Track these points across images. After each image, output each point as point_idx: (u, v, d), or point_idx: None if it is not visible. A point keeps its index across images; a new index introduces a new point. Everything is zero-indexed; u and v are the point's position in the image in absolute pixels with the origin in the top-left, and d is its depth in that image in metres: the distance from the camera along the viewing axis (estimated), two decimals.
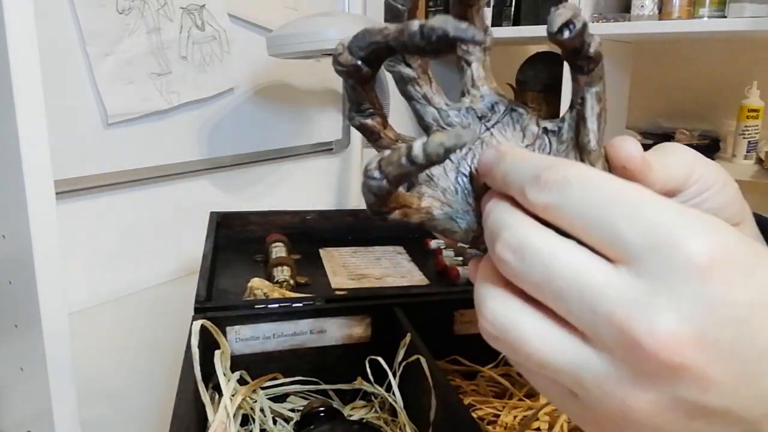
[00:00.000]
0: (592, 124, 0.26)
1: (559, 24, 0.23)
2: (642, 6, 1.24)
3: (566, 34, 0.23)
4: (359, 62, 0.27)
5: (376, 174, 0.23)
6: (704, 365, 0.18)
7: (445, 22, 0.23)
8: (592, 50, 0.24)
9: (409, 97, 0.31)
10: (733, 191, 0.28)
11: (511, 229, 0.21)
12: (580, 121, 0.27)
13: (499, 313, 0.22)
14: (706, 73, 1.49)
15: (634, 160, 0.26)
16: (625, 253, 0.19)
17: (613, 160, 0.26)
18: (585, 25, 0.23)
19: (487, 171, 0.25)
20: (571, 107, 0.27)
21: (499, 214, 0.23)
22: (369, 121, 0.30)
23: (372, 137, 0.31)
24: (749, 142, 1.31)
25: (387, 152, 0.24)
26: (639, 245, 0.19)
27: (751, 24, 1.07)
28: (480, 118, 0.29)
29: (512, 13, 1.45)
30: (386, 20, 0.30)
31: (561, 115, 0.28)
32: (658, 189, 0.26)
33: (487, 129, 0.29)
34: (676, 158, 0.27)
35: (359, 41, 0.26)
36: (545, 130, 0.28)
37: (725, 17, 1.15)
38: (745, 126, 1.31)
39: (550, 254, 0.20)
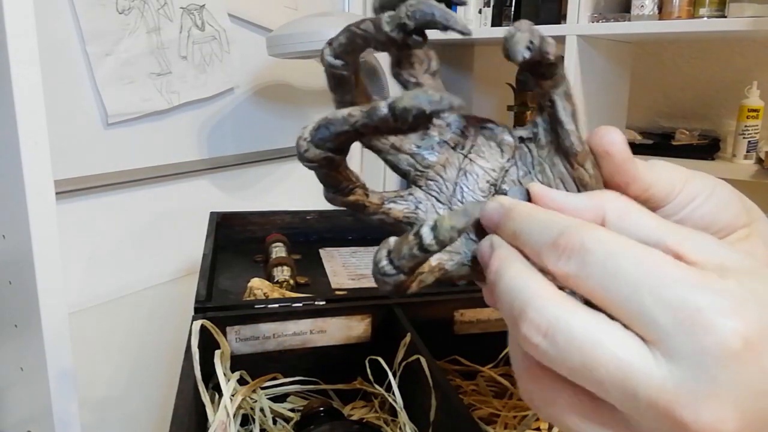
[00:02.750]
0: (569, 125, 0.25)
1: (522, 52, 0.22)
2: (642, 6, 1.24)
3: (528, 54, 0.22)
4: (329, 153, 0.25)
5: (390, 270, 0.23)
6: None
7: (416, 99, 0.21)
8: (551, 57, 0.24)
9: (377, 151, 0.29)
10: (726, 195, 0.28)
11: (537, 308, 0.20)
12: (556, 125, 0.26)
13: (536, 395, 0.21)
14: (706, 73, 1.49)
15: (617, 145, 0.25)
16: (658, 335, 0.18)
17: (596, 148, 0.26)
18: (542, 38, 0.23)
19: (493, 226, 0.24)
20: (540, 110, 0.27)
21: (516, 281, 0.21)
22: (351, 198, 0.28)
23: (358, 210, 0.29)
24: (749, 142, 1.31)
25: (392, 242, 0.23)
26: (670, 327, 0.18)
27: (751, 24, 1.07)
28: (454, 148, 0.28)
29: (512, 13, 1.46)
30: (331, 88, 0.29)
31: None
32: (644, 192, 0.26)
33: (465, 156, 0.28)
34: (661, 170, 0.27)
35: (323, 133, 0.24)
36: (521, 139, 0.28)
37: (725, 17, 1.15)
38: (745, 126, 1.31)
39: (586, 339, 0.19)
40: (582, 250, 0.20)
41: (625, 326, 0.19)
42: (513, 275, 0.21)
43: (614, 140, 0.25)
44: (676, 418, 0.18)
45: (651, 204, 0.26)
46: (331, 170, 0.26)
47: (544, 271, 0.21)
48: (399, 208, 0.28)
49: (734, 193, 0.28)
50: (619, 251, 0.19)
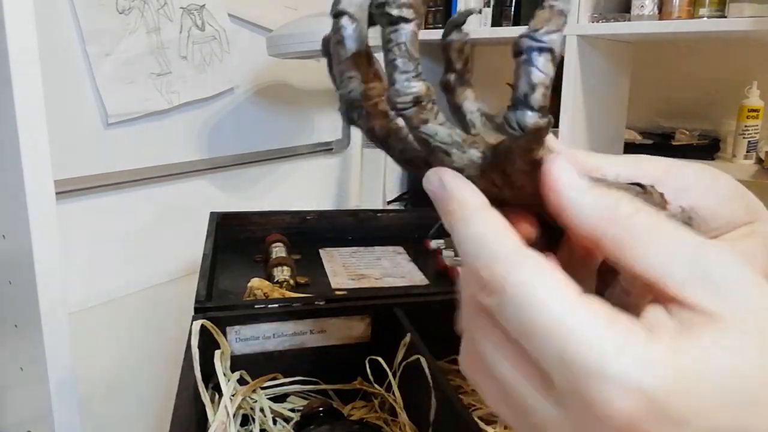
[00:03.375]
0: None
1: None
2: (642, 6, 1.24)
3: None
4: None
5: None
6: None
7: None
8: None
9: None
10: (729, 190, 0.27)
11: (471, 318, 0.22)
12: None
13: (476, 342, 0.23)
14: (706, 73, 1.49)
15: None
16: (556, 387, 0.19)
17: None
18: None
19: (432, 197, 0.24)
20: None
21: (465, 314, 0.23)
22: (372, 105, 0.28)
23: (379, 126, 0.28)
24: (749, 142, 1.31)
25: None
26: (565, 386, 0.19)
27: (751, 24, 1.07)
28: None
29: (512, 13, 1.46)
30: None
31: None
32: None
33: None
34: (649, 163, 0.26)
35: None
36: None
37: (725, 17, 1.15)
38: (745, 126, 1.31)
39: (491, 369, 0.21)
40: (501, 291, 0.20)
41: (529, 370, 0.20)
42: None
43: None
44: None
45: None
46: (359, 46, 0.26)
47: None
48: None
49: (739, 189, 0.27)
50: (536, 302, 0.19)
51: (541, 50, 0.20)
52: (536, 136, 0.21)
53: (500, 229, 0.21)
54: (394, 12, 0.22)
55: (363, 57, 0.28)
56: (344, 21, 0.25)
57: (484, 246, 0.21)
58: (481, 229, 0.21)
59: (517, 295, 0.19)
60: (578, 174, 0.21)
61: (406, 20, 0.22)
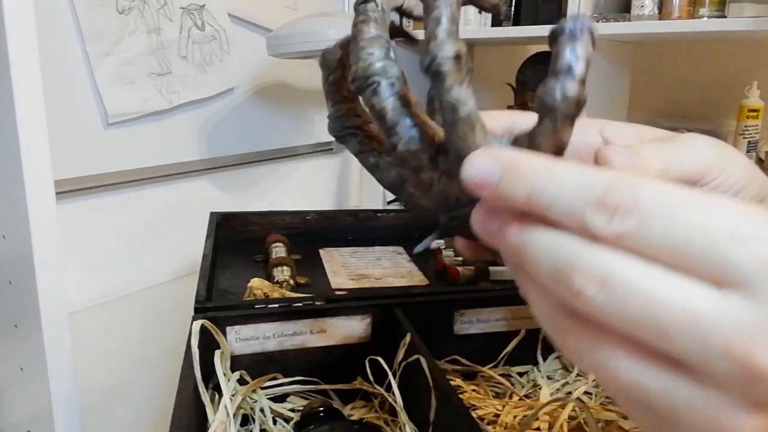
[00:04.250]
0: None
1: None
2: (642, 6, 1.24)
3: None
4: None
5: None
6: None
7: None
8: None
9: None
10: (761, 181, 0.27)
11: (589, 259, 0.18)
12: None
13: (586, 352, 0.20)
14: (706, 73, 1.49)
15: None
16: (733, 277, 0.17)
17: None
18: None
19: (488, 188, 0.20)
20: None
21: (554, 239, 0.19)
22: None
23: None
24: (749, 142, 1.31)
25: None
26: (749, 268, 0.17)
27: (751, 24, 1.07)
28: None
29: (512, 13, 1.46)
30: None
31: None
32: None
33: None
34: (694, 151, 0.25)
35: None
36: None
37: (725, 17, 1.15)
38: (745, 126, 1.30)
39: (647, 286, 0.18)
40: (638, 205, 0.18)
41: (689, 275, 0.18)
42: (547, 234, 0.19)
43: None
44: (752, 368, 0.17)
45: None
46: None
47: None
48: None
49: (757, 171, 0.27)
50: (681, 201, 0.18)
51: (583, 29, 0.21)
52: (576, 111, 0.21)
53: (589, 167, 0.19)
54: None
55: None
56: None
57: (589, 181, 0.19)
58: (576, 173, 0.19)
59: (659, 200, 0.18)
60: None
61: None
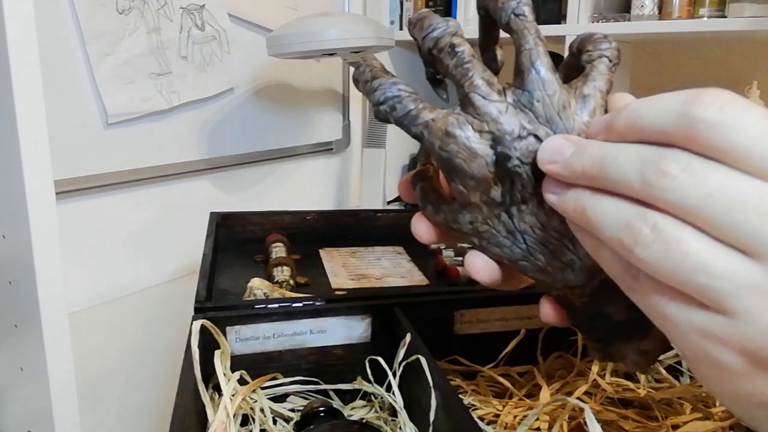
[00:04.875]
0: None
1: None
2: (642, 6, 1.24)
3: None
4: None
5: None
6: None
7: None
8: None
9: None
10: None
11: (644, 216, 0.21)
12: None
13: (643, 299, 0.23)
14: (706, 73, 1.49)
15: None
16: (757, 248, 0.20)
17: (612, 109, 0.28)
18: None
19: (559, 164, 0.25)
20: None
21: (615, 203, 0.23)
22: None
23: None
24: None
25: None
26: None
27: (751, 24, 1.07)
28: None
29: None
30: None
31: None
32: None
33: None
34: None
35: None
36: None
37: (725, 17, 1.15)
38: None
39: (688, 247, 0.21)
40: (691, 171, 0.20)
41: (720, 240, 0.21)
42: (610, 198, 0.23)
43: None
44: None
45: None
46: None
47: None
48: None
49: None
50: (727, 173, 0.20)
51: None
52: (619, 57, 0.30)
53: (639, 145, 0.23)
54: None
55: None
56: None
57: (642, 154, 0.22)
58: (630, 148, 0.23)
59: (709, 167, 0.20)
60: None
61: None
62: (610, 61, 0.29)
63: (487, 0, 0.30)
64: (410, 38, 0.30)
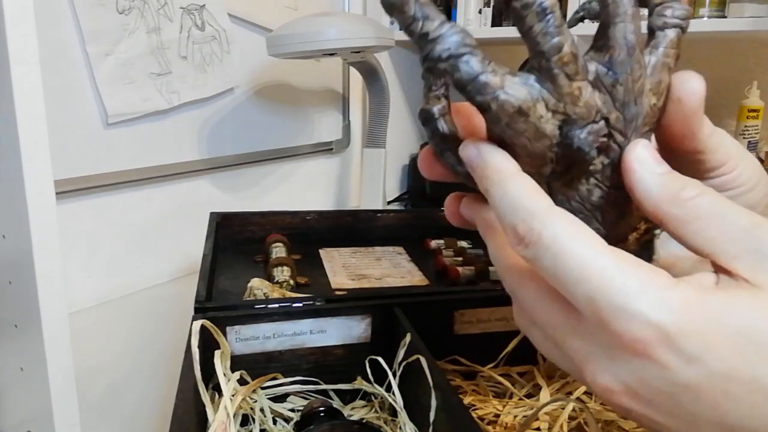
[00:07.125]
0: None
1: None
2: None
3: None
4: None
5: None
6: (642, 408, 0.22)
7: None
8: None
9: None
10: (765, 188, 0.28)
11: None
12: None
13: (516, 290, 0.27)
14: (706, 73, 1.47)
15: (694, 95, 0.26)
16: (585, 321, 0.23)
17: (673, 89, 0.27)
18: None
19: (468, 165, 0.26)
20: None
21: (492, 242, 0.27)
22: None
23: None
24: (749, 142, 1.31)
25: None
26: (593, 320, 0.22)
27: (751, 24, 1.07)
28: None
29: None
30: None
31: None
32: (697, 153, 0.27)
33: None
34: (724, 139, 0.27)
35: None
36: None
37: (725, 17, 1.15)
38: (745, 126, 1.30)
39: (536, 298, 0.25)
40: (538, 243, 0.22)
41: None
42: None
43: (694, 90, 0.26)
44: (583, 377, 0.24)
45: (698, 167, 0.27)
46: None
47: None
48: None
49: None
50: (569, 249, 0.22)
51: None
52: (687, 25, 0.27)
53: (533, 191, 0.24)
54: None
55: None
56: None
57: (520, 205, 0.23)
58: (518, 191, 0.24)
59: (552, 245, 0.22)
60: (655, 158, 0.24)
61: None
62: (683, 31, 0.27)
63: None
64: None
